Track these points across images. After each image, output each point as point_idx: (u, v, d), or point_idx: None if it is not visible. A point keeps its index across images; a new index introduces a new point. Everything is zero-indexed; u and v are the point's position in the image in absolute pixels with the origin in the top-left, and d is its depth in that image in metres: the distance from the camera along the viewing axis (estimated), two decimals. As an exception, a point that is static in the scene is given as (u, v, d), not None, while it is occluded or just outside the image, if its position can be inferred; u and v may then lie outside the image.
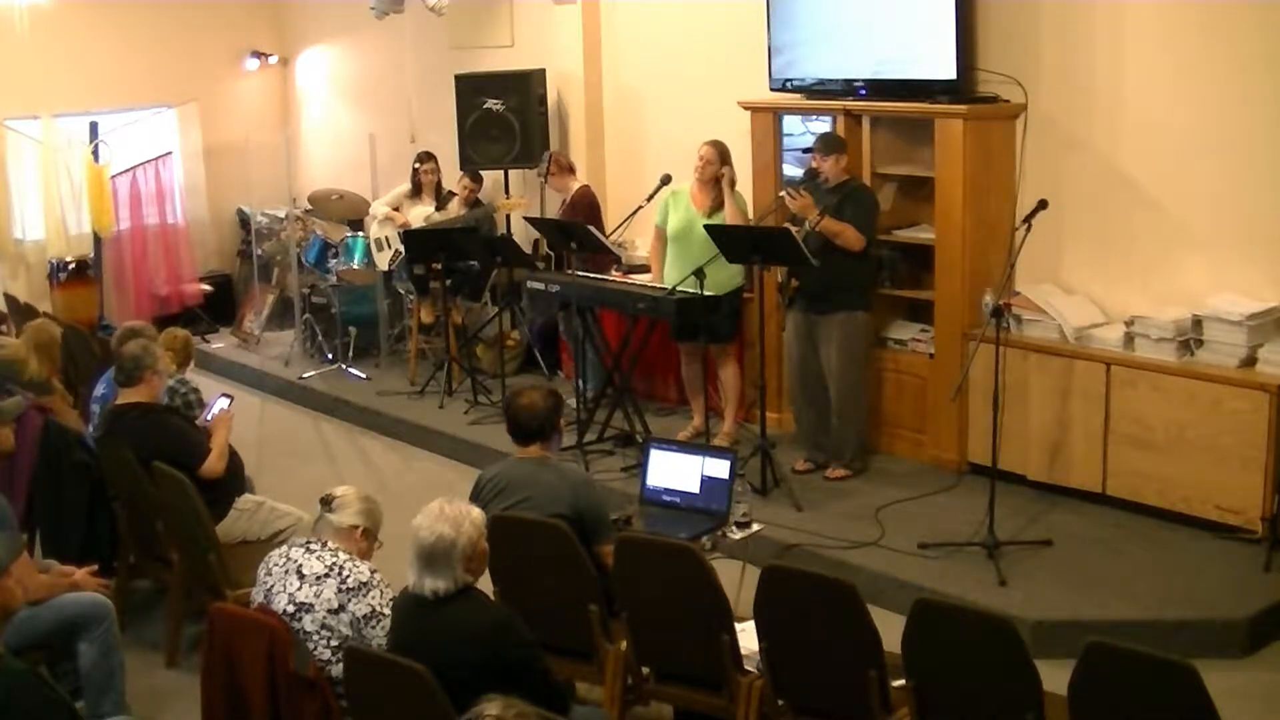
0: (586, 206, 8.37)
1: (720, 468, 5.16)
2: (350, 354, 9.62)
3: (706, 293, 6.70)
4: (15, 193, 10.87)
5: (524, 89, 9.25)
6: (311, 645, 4.05)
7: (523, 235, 9.08)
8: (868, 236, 6.65)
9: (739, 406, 7.46)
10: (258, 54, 12.04)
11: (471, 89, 9.39)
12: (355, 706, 3.86)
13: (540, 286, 7.74)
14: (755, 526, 5.28)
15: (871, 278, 6.92)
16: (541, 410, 4.74)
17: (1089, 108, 6.61)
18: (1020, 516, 6.27)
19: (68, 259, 10.75)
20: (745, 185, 7.59)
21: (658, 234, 7.48)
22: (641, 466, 5.44)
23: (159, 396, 5.79)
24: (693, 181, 7.26)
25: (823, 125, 7.37)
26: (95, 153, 10.78)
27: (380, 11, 9.41)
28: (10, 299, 9.91)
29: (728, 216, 7.07)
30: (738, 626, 4.22)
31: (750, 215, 7.25)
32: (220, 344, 10.70)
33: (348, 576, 4.09)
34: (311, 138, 12.02)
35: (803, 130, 7.60)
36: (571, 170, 8.59)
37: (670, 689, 4.43)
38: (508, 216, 9.55)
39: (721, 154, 7.15)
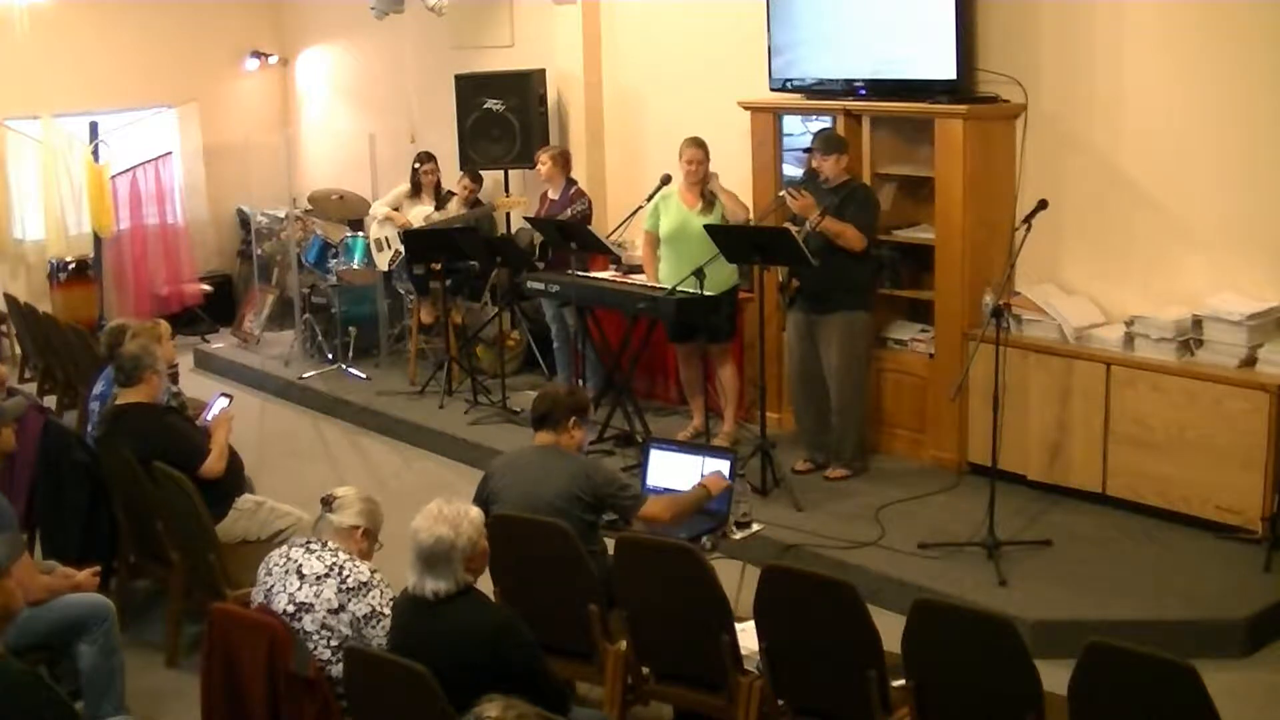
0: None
1: (720, 468, 5.16)
2: (350, 354, 9.61)
3: (706, 293, 6.71)
4: (15, 193, 10.88)
5: (524, 89, 9.25)
6: (311, 645, 4.05)
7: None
8: (869, 236, 6.65)
9: (738, 406, 7.46)
10: (258, 54, 12.04)
11: (471, 89, 9.39)
12: (355, 706, 3.86)
13: (540, 286, 7.75)
14: (755, 526, 5.27)
15: (872, 278, 6.91)
16: (553, 397, 4.89)
17: (1089, 108, 6.61)
18: (1020, 516, 6.27)
19: (68, 259, 10.76)
20: (745, 185, 7.59)
21: (648, 238, 7.49)
22: (641, 466, 5.44)
23: (159, 396, 5.79)
24: (679, 183, 7.28)
25: (822, 125, 7.36)
26: (95, 153, 10.79)
27: (380, 11, 9.41)
28: (10, 299, 9.92)
29: (728, 209, 7.07)
30: (738, 626, 4.22)
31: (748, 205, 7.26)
32: (220, 344, 10.70)
33: (348, 576, 4.09)
34: (311, 138, 12.02)
35: (803, 130, 7.60)
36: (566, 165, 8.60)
37: (670, 689, 4.43)
38: (508, 216, 9.55)
39: (706, 151, 7.17)
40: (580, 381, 7.74)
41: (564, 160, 8.57)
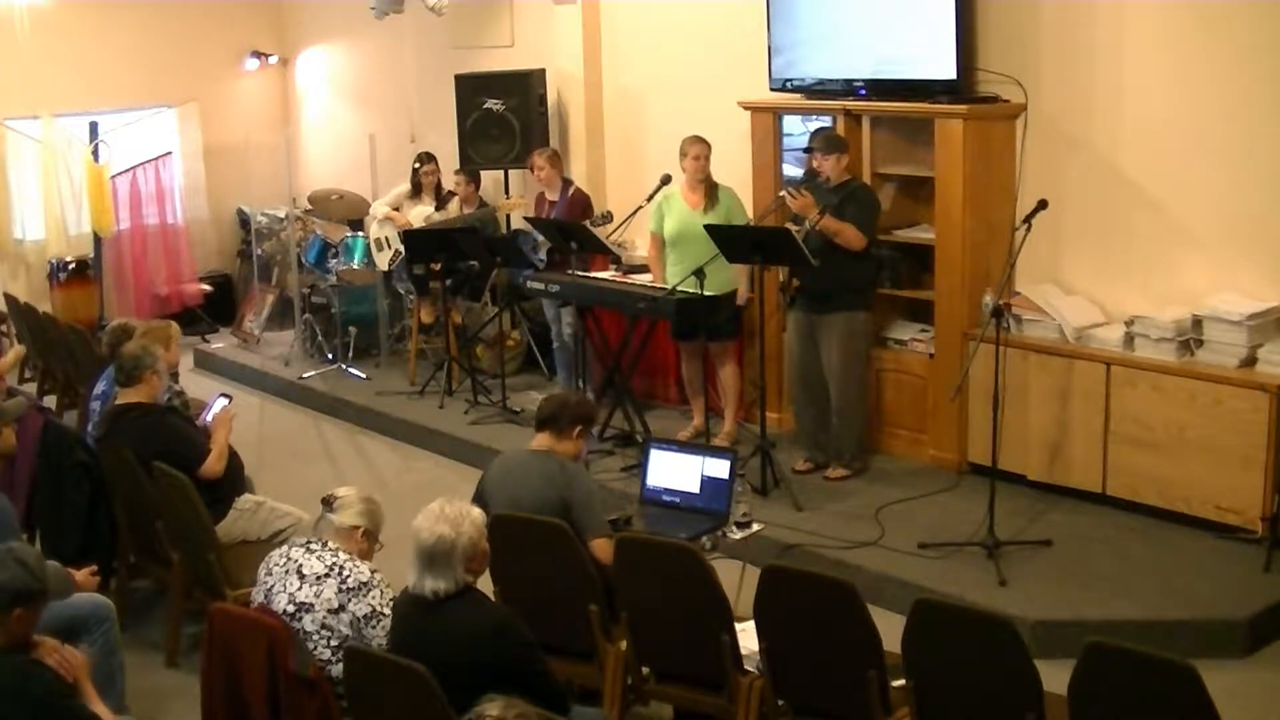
0: (581, 208, 8.36)
1: (720, 468, 5.16)
2: (350, 354, 9.62)
3: (707, 292, 6.71)
4: (15, 193, 10.88)
5: (524, 89, 9.24)
6: (311, 645, 4.05)
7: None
8: (869, 236, 6.65)
9: (739, 406, 7.46)
10: (258, 54, 12.04)
11: (471, 89, 9.39)
12: (355, 706, 3.86)
13: (540, 286, 7.74)
14: (755, 526, 5.28)
15: (872, 278, 6.91)
16: (562, 400, 4.93)
17: (1089, 108, 6.61)
18: (1020, 516, 6.27)
19: (68, 259, 10.76)
20: (745, 185, 7.59)
21: (654, 239, 7.50)
22: (641, 466, 5.44)
23: (159, 397, 5.79)
24: (682, 182, 7.29)
25: (821, 125, 7.36)
26: (95, 153, 10.79)
27: (380, 11, 9.41)
28: (10, 299, 9.91)
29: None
30: (738, 626, 4.22)
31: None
32: (220, 344, 10.70)
33: (348, 576, 4.10)
34: (311, 138, 12.02)
35: (803, 130, 7.60)
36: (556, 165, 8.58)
37: (670, 689, 4.43)
38: (508, 217, 9.55)
39: (709, 147, 7.19)
40: (580, 382, 7.73)
41: (559, 160, 8.57)
